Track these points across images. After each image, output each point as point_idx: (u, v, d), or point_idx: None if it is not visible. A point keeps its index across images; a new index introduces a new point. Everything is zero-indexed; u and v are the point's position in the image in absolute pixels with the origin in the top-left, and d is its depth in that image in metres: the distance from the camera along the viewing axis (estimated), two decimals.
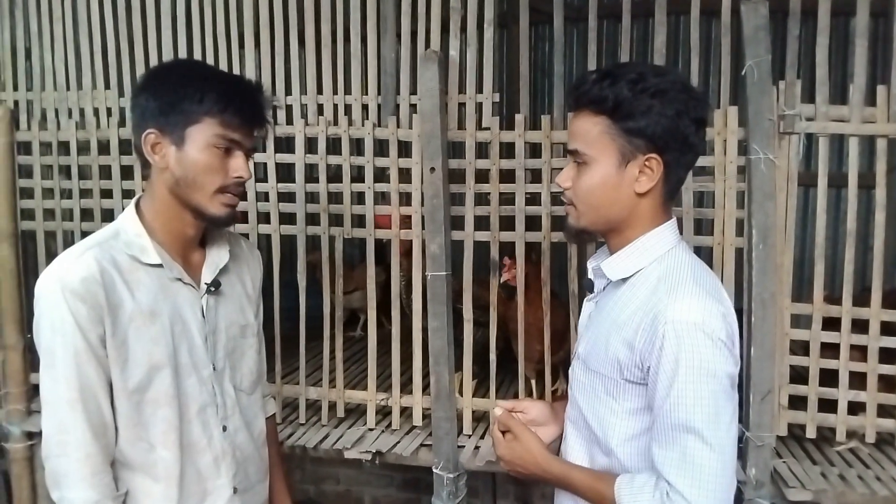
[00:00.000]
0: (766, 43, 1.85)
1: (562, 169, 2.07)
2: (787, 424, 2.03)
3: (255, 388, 1.48)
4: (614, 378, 1.21)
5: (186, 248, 1.35)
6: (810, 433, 2.04)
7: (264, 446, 1.51)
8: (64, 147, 2.44)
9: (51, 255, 2.28)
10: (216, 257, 1.40)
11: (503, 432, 1.35)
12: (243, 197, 1.39)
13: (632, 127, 1.15)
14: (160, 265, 1.29)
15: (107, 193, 2.42)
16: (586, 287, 1.35)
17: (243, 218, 2.30)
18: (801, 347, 2.04)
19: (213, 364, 1.36)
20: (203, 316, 1.35)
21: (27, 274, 2.46)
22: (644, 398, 1.18)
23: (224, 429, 1.38)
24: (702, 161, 1.98)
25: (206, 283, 1.36)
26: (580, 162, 1.21)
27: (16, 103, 2.47)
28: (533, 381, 2.34)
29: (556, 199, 2.11)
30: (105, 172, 2.41)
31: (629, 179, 1.18)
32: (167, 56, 2.35)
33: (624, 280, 1.23)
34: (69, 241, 2.40)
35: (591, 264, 1.34)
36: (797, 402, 2.03)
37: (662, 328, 1.12)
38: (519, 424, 1.34)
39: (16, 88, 2.48)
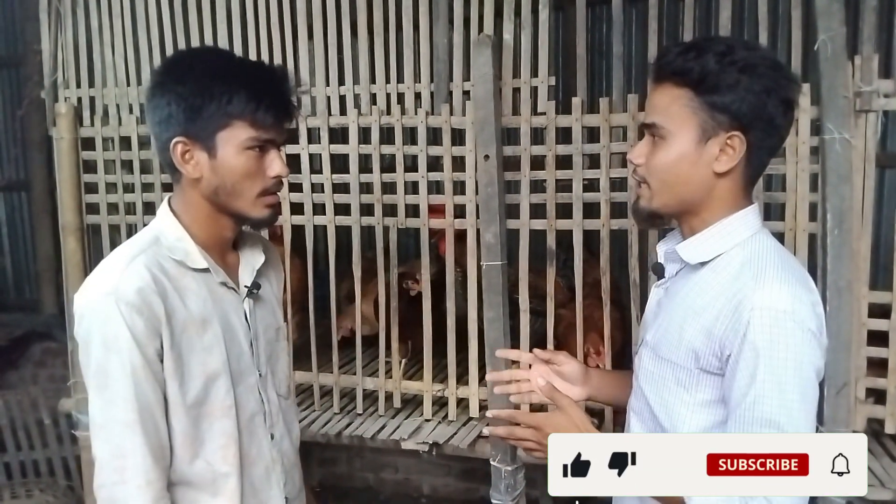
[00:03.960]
0: (841, 15, 1.76)
1: (622, 154, 2.02)
2: (866, 419, 1.95)
3: (290, 392, 1.43)
4: (688, 367, 1.15)
5: (224, 251, 1.29)
6: (889, 429, 1.95)
7: (298, 452, 1.45)
8: (125, 142, 2.49)
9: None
10: (251, 259, 1.33)
11: (540, 408, 1.27)
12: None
13: (716, 101, 1.09)
14: (207, 270, 1.23)
15: (168, 187, 2.45)
16: (655, 272, 1.29)
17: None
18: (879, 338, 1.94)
19: (258, 371, 1.30)
20: (246, 320, 1.29)
21: (93, 267, 2.52)
22: (719, 389, 1.13)
23: (272, 437, 1.32)
24: None
25: (245, 287, 1.30)
26: (657, 136, 1.15)
27: (79, 100, 2.54)
28: None
29: (616, 184, 2.05)
30: None
31: (708, 157, 1.12)
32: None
33: (702, 264, 1.17)
34: (133, 235, 2.45)
35: (661, 248, 1.28)
36: (876, 396, 1.94)
37: (748, 315, 1.06)
38: (563, 397, 1.26)
39: (79, 86, 2.54)
